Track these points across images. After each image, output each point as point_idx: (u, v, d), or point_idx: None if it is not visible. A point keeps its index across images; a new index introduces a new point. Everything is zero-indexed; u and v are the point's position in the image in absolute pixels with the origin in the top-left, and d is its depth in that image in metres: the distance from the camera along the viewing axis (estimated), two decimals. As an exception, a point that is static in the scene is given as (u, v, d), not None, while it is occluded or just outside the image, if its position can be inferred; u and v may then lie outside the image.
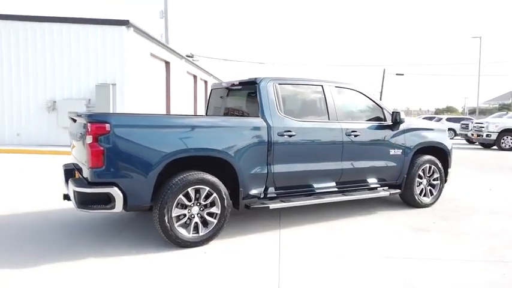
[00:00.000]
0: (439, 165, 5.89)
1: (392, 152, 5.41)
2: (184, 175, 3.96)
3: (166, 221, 3.86)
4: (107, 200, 3.66)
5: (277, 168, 4.54)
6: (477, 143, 18.59)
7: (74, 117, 4.16)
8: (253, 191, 4.49)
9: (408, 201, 5.80)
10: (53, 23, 13.52)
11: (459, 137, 23.44)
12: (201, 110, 25.27)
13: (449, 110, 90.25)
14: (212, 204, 4.15)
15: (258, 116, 4.53)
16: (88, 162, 3.64)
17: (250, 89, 4.89)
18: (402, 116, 5.32)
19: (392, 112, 5.40)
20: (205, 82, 28.53)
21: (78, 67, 13.54)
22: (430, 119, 30.33)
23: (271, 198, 4.70)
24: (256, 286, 3.19)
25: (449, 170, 6.12)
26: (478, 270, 3.55)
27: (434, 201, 5.91)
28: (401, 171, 5.54)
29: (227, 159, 4.18)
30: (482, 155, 14.59)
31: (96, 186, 3.64)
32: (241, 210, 4.56)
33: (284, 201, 4.66)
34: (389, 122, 5.41)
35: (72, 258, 3.68)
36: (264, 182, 4.51)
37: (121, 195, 3.67)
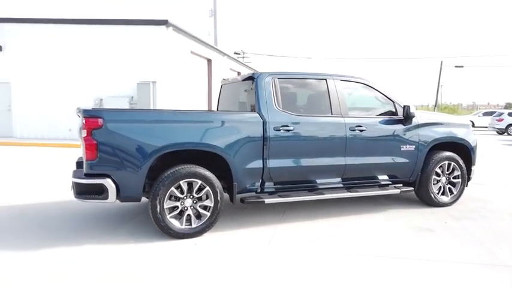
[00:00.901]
0: (461, 162, 5.52)
1: (403, 147, 5.16)
2: (176, 168, 4.09)
3: (158, 212, 4.01)
4: (101, 191, 3.88)
5: (274, 163, 4.52)
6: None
7: (78, 114, 4.44)
8: (249, 186, 4.52)
9: (424, 199, 5.50)
10: (99, 25, 14.38)
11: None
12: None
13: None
14: (205, 197, 4.24)
15: (255, 111, 4.55)
16: (84, 155, 3.89)
17: (252, 84, 4.90)
18: (412, 110, 5.05)
19: (404, 106, 5.14)
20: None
21: (122, 66, 14.27)
22: (491, 113, 28.30)
23: (272, 193, 4.71)
24: (230, 278, 3.24)
25: (473, 168, 5.71)
26: (472, 274, 3.32)
27: (455, 201, 5.55)
28: (415, 168, 5.27)
29: (219, 153, 4.24)
30: (540, 152, 13.35)
31: (91, 178, 3.88)
32: (246, 205, 4.59)
33: (282, 196, 4.65)
34: (400, 116, 5.17)
35: (74, 244, 3.95)
36: (259, 176, 4.52)
37: (114, 186, 3.89)
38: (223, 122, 4.35)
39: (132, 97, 14.18)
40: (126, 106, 13.85)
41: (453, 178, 5.55)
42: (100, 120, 3.82)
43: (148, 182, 4.18)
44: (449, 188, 5.54)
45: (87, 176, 3.90)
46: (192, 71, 16.56)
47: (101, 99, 14.43)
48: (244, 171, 4.40)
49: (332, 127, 4.80)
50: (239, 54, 40.40)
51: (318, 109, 4.93)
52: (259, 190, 4.60)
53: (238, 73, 25.43)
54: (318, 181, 4.85)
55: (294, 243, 4.07)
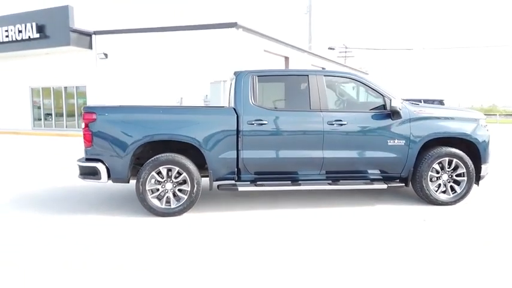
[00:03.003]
0: (466, 159, 5.14)
1: (391, 142, 5.06)
2: (157, 156, 4.79)
3: (141, 192, 4.76)
4: (95, 173, 4.79)
5: (247, 154, 4.91)
6: None
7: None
8: (226, 174, 4.99)
9: (421, 196, 5.27)
10: (177, 31, 16.05)
11: None
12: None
13: None
14: (183, 182, 4.86)
15: (231, 106, 5.00)
16: (83, 143, 4.84)
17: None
18: (394, 103, 4.91)
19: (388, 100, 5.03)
20: (339, 73, 28.33)
21: (198, 67, 15.68)
22: None
23: (252, 181, 5.10)
24: (177, 252, 3.80)
25: (483, 166, 5.25)
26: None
27: (458, 200, 5.20)
28: (406, 163, 5.12)
29: (193, 144, 4.81)
30: None
31: (88, 162, 4.82)
32: (241, 192, 5.11)
33: (258, 186, 5.02)
34: (388, 110, 5.07)
35: (83, 213, 4.94)
36: (234, 166, 4.96)
37: (105, 169, 4.76)
38: (198, 116, 4.92)
39: (206, 95, 15.50)
40: (201, 103, 15.21)
41: (457, 176, 5.21)
42: (94, 115, 4.73)
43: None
44: (452, 186, 5.22)
45: (86, 160, 4.85)
46: (266, 68, 17.25)
47: (182, 98, 16.07)
48: (219, 160, 4.89)
49: (308, 121, 4.98)
50: (333, 49, 39.84)
51: (296, 104, 5.15)
52: (236, 179, 5.04)
53: (323, 68, 25.36)
54: (297, 173, 5.09)
55: (254, 227, 4.44)
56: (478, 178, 5.29)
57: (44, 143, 14.83)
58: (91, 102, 18.63)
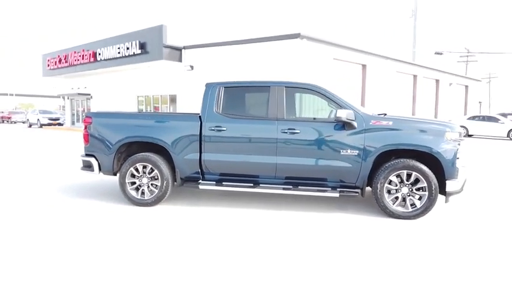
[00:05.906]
0: (427, 173, 4.91)
1: (343, 152, 5.11)
2: (136, 155, 5.71)
3: (122, 184, 5.72)
4: (90, 166, 5.92)
5: (208, 156, 5.50)
6: None
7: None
8: (191, 173, 5.65)
9: (380, 208, 5.17)
10: (246, 44, 17.11)
11: None
12: (421, 110, 23.78)
13: None
14: (157, 177, 5.67)
15: (198, 114, 5.66)
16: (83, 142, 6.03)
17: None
18: (338, 114, 4.94)
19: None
20: (437, 81, 26.20)
21: (267, 77, 16.43)
22: None
23: (218, 181, 5.66)
24: (132, 236, 4.64)
25: (449, 181, 4.92)
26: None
27: (418, 215, 4.97)
28: (359, 173, 5.10)
29: (162, 145, 5.59)
30: None
31: (86, 157, 5.98)
32: (219, 191, 5.78)
33: (218, 185, 5.56)
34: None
35: (82, 203, 6.14)
36: (197, 166, 5.58)
37: (96, 163, 5.86)
38: (168, 122, 5.68)
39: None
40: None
41: (417, 190, 4.99)
42: (90, 119, 5.86)
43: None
44: (412, 200, 5.02)
45: (85, 155, 6.02)
46: (337, 76, 17.21)
47: (251, 105, 17.05)
48: (184, 161, 5.58)
49: (263, 129, 5.33)
50: (441, 54, 36.54)
51: (255, 113, 5.55)
52: (201, 178, 5.67)
53: (414, 76, 23.83)
54: (256, 176, 5.48)
55: (207, 223, 5.03)
56: (446, 194, 4.98)
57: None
58: (180, 109, 20.90)
